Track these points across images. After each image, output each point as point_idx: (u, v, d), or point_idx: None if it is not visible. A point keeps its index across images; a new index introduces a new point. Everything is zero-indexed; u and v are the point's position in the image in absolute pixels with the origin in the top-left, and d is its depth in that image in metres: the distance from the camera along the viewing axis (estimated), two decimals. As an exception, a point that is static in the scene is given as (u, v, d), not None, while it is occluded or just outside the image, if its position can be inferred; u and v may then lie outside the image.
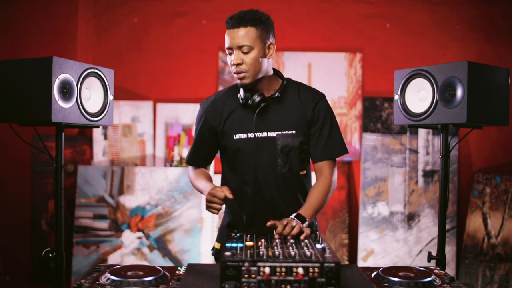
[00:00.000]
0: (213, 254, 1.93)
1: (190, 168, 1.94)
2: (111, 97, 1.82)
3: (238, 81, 1.71)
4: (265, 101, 1.73)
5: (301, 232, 1.50)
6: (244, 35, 1.65)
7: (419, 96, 1.84)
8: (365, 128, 3.72)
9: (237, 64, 1.66)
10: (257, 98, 1.71)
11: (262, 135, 1.75)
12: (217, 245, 1.89)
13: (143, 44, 3.87)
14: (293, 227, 1.50)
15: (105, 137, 3.75)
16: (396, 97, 1.91)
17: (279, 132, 1.75)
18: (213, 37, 3.83)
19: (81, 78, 1.68)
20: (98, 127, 1.85)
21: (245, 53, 1.66)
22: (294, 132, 1.75)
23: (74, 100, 1.65)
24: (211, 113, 1.81)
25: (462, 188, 3.72)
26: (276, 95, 1.74)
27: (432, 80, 1.78)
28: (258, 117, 1.73)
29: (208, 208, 1.60)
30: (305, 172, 1.83)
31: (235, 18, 1.68)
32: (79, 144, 3.77)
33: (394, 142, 3.70)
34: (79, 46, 3.79)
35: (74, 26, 3.79)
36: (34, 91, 1.59)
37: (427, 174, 3.67)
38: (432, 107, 1.78)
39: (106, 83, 1.79)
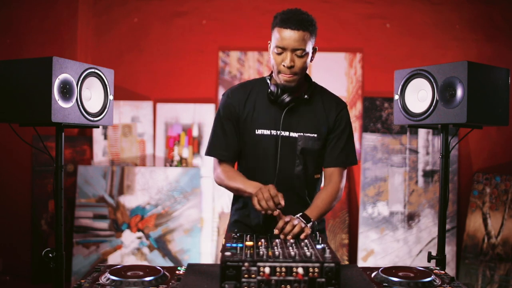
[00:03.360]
0: (221, 251, 1.92)
1: (218, 166, 1.82)
2: (111, 97, 1.82)
3: (284, 83, 1.70)
4: (294, 101, 1.74)
5: (301, 231, 1.50)
6: (302, 39, 1.64)
7: (419, 96, 1.84)
8: (365, 128, 3.72)
9: (290, 67, 1.66)
10: (287, 98, 1.72)
11: (284, 134, 1.76)
12: None
13: (143, 44, 3.87)
14: (294, 226, 1.50)
15: (105, 137, 3.75)
16: (396, 97, 1.91)
17: (301, 134, 1.76)
18: (213, 37, 3.83)
19: (81, 78, 1.67)
20: (98, 127, 1.85)
21: (299, 56, 1.66)
22: (315, 135, 1.78)
23: (74, 100, 1.65)
24: (236, 100, 1.79)
25: (462, 188, 3.72)
26: (305, 97, 1.76)
27: (432, 80, 1.78)
28: (284, 115, 1.74)
29: (259, 204, 1.56)
30: (319, 175, 1.87)
31: (295, 20, 1.64)
32: (79, 144, 3.77)
33: (394, 142, 3.70)
34: (79, 46, 3.79)
35: (74, 26, 3.79)
36: (34, 91, 1.58)
37: (427, 174, 3.66)
38: (432, 107, 1.78)
39: (106, 83, 1.79)
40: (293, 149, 1.76)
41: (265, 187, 1.57)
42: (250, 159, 1.80)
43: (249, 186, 1.67)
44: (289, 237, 1.48)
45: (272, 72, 1.80)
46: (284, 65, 1.66)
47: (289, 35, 1.63)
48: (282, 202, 1.54)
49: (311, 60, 1.74)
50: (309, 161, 1.79)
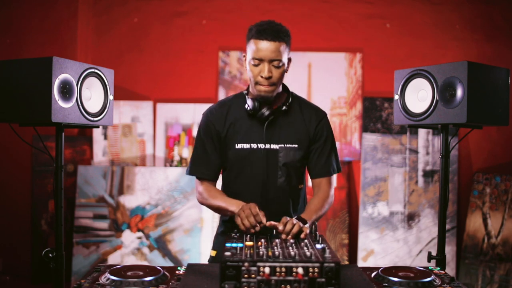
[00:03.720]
0: (209, 262, 1.92)
1: (199, 185, 1.83)
2: (111, 97, 1.82)
3: (262, 93, 1.71)
4: (274, 114, 1.75)
5: (301, 231, 1.50)
6: (278, 49, 1.66)
7: (419, 96, 1.84)
8: (365, 128, 3.72)
9: (268, 77, 1.67)
10: (266, 111, 1.73)
11: (265, 147, 1.76)
12: (213, 253, 1.89)
13: (143, 44, 3.87)
14: (293, 225, 1.51)
15: (105, 137, 3.75)
16: (396, 97, 1.91)
17: (282, 145, 1.77)
18: (213, 37, 3.83)
19: (81, 78, 1.67)
20: (98, 127, 1.85)
21: (276, 67, 1.68)
22: (296, 146, 1.78)
23: (74, 100, 1.65)
24: (216, 118, 1.81)
25: (462, 188, 3.72)
26: (283, 108, 1.76)
27: (432, 80, 1.78)
28: (266, 129, 1.74)
29: (242, 223, 1.57)
30: (302, 185, 1.88)
31: (271, 30, 1.66)
32: (79, 144, 3.77)
33: (394, 142, 3.70)
34: (79, 46, 3.79)
35: (74, 26, 3.79)
36: (34, 91, 1.58)
37: (427, 174, 3.67)
38: (432, 107, 1.78)
39: (106, 83, 1.79)
40: (275, 161, 1.77)
41: (246, 205, 1.59)
42: (233, 174, 1.81)
43: (231, 205, 1.68)
44: (289, 237, 1.48)
45: (249, 86, 1.81)
46: (262, 76, 1.67)
47: (266, 46, 1.65)
48: (264, 220, 1.55)
49: (286, 70, 1.75)
50: (292, 172, 1.79)
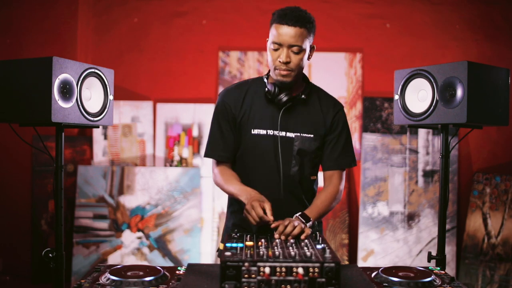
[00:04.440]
0: (218, 256, 1.91)
1: (215, 167, 1.82)
2: (111, 97, 1.81)
3: (280, 78, 1.69)
4: (292, 101, 1.73)
5: (302, 232, 1.50)
6: (298, 35, 1.64)
7: (419, 96, 1.84)
8: (365, 128, 3.72)
9: (286, 63, 1.66)
10: (284, 97, 1.71)
11: (281, 134, 1.75)
12: (222, 246, 1.87)
13: (143, 44, 3.87)
14: (294, 227, 1.50)
15: (105, 137, 3.75)
16: (396, 97, 1.91)
17: (298, 134, 1.75)
18: (213, 37, 3.83)
19: (81, 78, 1.67)
20: (98, 127, 1.85)
21: (295, 53, 1.66)
22: (312, 136, 1.77)
23: (74, 100, 1.65)
24: (232, 100, 1.79)
25: (462, 188, 3.72)
26: (302, 97, 1.75)
27: (432, 80, 1.78)
28: (281, 115, 1.73)
29: (247, 216, 1.57)
30: (315, 177, 1.86)
31: (292, 15, 1.63)
32: (79, 144, 3.77)
33: (394, 142, 3.70)
34: (79, 46, 3.79)
35: (74, 26, 3.79)
36: (34, 91, 1.58)
37: (427, 174, 3.67)
38: (432, 107, 1.78)
39: (106, 83, 1.79)
40: (289, 150, 1.75)
41: (255, 201, 1.56)
42: (247, 159, 1.79)
43: (242, 194, 1.66)
44: (289, 237, 1.47)
45: (269, 71, 1.79)
46: (280, 61, 1.66)
47: (286, 31, 1.63)
48: (271, 219, 1.53)
49: (309, 58, 1.73)
50: (305, 162, 1.78)
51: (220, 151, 1.79)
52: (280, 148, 1.74)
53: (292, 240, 1.45)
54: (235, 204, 1.86)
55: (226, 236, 1.53)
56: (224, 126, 1.79)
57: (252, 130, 1.76)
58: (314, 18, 1.71)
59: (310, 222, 1.62)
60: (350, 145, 1.84)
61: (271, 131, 1.75)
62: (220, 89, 3.80)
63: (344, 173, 1.84)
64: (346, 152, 1.82)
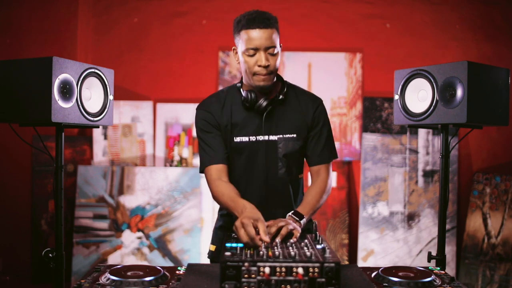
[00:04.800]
0: (209, 257, 1.91)
1: (211, 179, 1.71)
2: (111, 97, 1.81)
3: (261, 83, 1.67)
4: (271, 104, 1.72)
5: (290, 234, 1.48)
6: (272, 36, 1.63)
7: (419, 96, 1.84)
8: (365, 128, 3.72)
9: (266, 66, 1.64)
10: (264, 102, 1.70)
11: (264, 138, 1.74)
12: (212, 247, 1.87)
13: (143, 44, 3.87)
14: (280, 227, 1.47)
15: (105, 137, 3.75)
16: (396, 97, 1.91)
17: (280, 136, 1.74)
18: (213, 37, 3.83)
19: (81, 78, 1.67)
20: (98, 127, 1.85)
21: (272, 55, 1.65)
22: (295, 135, 1.76)
23: (74, 100, 1.65)
24: (214, 109, 1.77)
25: (462, 188, 3.72)
26: (280, 97, 1.74)
27: (432, 80, 1.78)
28: (264, 120, 1.72)
29: (236, 233, 1.43)
30: (302, 175, 1.86)
31: (262, 18, 1.63)
32: (79, 144, 3.77)
33: (394, 142, 3.70)
34: (79, 46, 3.80)
35: (74, 26, 3.79)
36: (34, 91, 1.58)
37: (427, 174, 3.67)
38: (432, 107, 1.78)
39: (106, 83, 1.79)
40: (274, 153, 1.74)
41: (247, 221, 1.39)
42: (232, 167, 1.77)
43: (235, 208, 1.56)
44: (277, 238, 1.44)
45: (241, 79, 1.78)
46: (260, 65, 1.64)
47: (260, 35, 1.63)
48: (266, 240, 1.35)
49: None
50: (292, 162, 1.77)
51: (210, 157, 1.73)
52: (265, 152, 1.73)
53: (292, 240, 1.45)
54: (221, 211, 1.87)
55: (226, 237, 1.53)
56: (209, 137, 1.74)
57: (235, 138, 1.74)
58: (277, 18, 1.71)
59: (304, 219, 1.62)
60: (331, 138, 1.83)
61: (253, 136, 1.73)
62: (220, 89, 3.79)
63: (331, 165, 1.82)
64: (329, 146, 1.81)
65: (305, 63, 3.75)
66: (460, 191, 3.71)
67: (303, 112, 1.78)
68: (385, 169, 3.68)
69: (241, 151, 1.75)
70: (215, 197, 1.70)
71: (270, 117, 1.74)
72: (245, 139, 1.74)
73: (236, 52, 1.74)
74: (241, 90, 1.75)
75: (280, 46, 1.72)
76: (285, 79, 1.83)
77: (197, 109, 1.80)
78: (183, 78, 3.85)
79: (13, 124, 1.72)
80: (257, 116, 1.74)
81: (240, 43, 1.68)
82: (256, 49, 1.64)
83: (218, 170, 1.72)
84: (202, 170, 1.77)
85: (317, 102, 1.81)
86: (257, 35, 1.63)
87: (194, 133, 3.77)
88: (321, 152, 1.79)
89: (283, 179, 1.76)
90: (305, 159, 1.85)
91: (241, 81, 1.79)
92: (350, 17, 3.79)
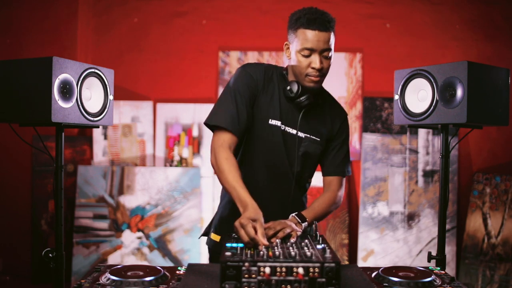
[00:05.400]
0: (210, 247, 1.85)
1: (218, 146, 1.61)
2: (111, 97, 1.81)
3: (311, 84, 1.66)
4: (311, 104, 1.72)
5: (288, 235, 1.48)
6: (329, 39, 1.62)
7: (419, 96, 1.84)
8: (365, 128, 3.72)
9: (321, 69, 1.63)
10: (305, 101, 1.69)
11: (292, 132, 1.73)
12: (216, 238, 1.80)
13: (143, 44, 3.87)
14: (277, 231, 1.47)
15: (105, 137, 3.75)
16: (396, 97, 1.91)
17: (307, 135, 1.75)
18: (213, 37, 3.83)
19: (81, 78, 1.67)
20: (98, 127, 1.85)
21: (326, 58, 1.64)
22: (319, 140, 1.77)
23: (74, 100, 1.65)
24: (260, 76, 1.71)
25: (462, 188, 3.72)
26: (319, 101, 1.76)
27: (432, 80, 1.78)
28: (301, 115, 1.72)
29: (237, 232, 1.40)
30: (311, 180, 1.86)
31: (323, 20, 1.60)
32: (79, 144, 3.77)
33: (394, 142, 3.70)
34: (79, 46, 3.79)
35: (74, 26, 3.79)
36: (34, 91, 1.58)
37: (427, 174, 3.67)
38: (432, 107, 1.78)
39: (106, 83, 1.79)
40: (295, 149, 1.74)
41: (246, 221, 1.38)
42: (256, 147, 1.72)
43: (239, 202, 1.51)
44: (274, 239, 1.44)
45: (286, 67, 1.77)
46: (313, 67, 1.62)
47: (318, 36, 1.60)
48: (265, 243, 1.34)
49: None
50: (308, 163, 1.78)
51: (227, 118, 1.62)
52: (289, 146, 1.73)
53: (292, 240, 1.45)
54: (226, 198, 1.82)
55: (226, 237, 1.52)
56: (239, 98, 1.64)
57: (270, 120, 1.71)
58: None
59: (306, 223, 1.62)
60: (349, 154, 1.87)
61: (285, 127, 1.72)
62: (220, 89, 3.79)
63: (344, 179, 1.84)
64: (346, 160, 1.83)
65: (305, 63, 3.75)
66: (460, 191, 3.71)
67: (331, 120, 1.80)
68: (385, 169, 3.68)
69: (273, 135, 1.71)
70: (219, 168, 1.58)
71: (306, 115, 1.74)
72: (278, 124, 1.71)
73: (288, 48, 1.70)
74: (287, 78, 1.73)
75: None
76: None
77: (243, 66, 1.73)
78: (183, 78, 3.85)
79: (13, 124, 1.72)
80: (295, 109, 1.72)
81: (296, 41, 1.64)
82: (312, 50, 1.62)
83: (231, 139, 1.64)
84: (211, 124, 1.65)
85: (344, 115, 1.85)
86: (315, 37, 1.60)
87: (194, 133, 3.77)
88: (338, 165, 1.80)
89: (295, 175, 1.75)
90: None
91: (286, 69, 1.77)
92: (350, 17, 3.79)
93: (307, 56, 1.63)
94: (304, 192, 1.86)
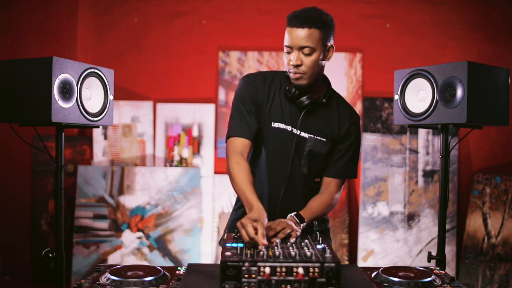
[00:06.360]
0: (220, 244, 1.87)
1: (234, 150, 1.69)
2: (111, 97, 1.82)
3: (294, 81, 1.67)
4: (312, 104, 1.72)
5: (288, 235, 1.48)
6: (307, 36, 1.60)
7: (419, 96, 1.84)
8: (365, 128, 3.72)
9: (296, 66, 1.63)
10: (306, 101, 1.70)
11: (296, 132, 1.74)
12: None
13: (143, 44, 3.87)
14: (277, 231, 1.48)
15: (105, 137, 3.75)
16: (396, 97, 1.91)
17: (312, 136, 1.75)
18: (213, 37, 3.83)
19: (81, 78, 1.67)
20: (98, 127, 1.85)
21: (306, 55, 1.63)
22: (325, 140, 1.76)
23: (74, 100, 1.65)
24: (260, 86, 1.75)
25: (462, 188, 3.72)
26: (322, 100, 1.74)
27: (432, 80, 1.78)
28: (303, 115, 1.72)
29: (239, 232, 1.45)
30: (319, 179, 1.85)
31: (300, 17, 1.61)
32: (79, 144, 3.77)
33: (394, 142, 3.70)
34: (79, 46, 3.79)
35: (74, 26, 3.79)
36: (34, 91, 1.58)
37: (427, 174, 3.67)
38: (432, 107, 1.78)
39: (106, 83, 1.79)
40: (301, 150, 1.75)
41: (247, 221, 1.42)
42: (262, 151, 1.77)
43: (246, 204, 1.57)
44: (273, 239, 1.45)
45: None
46: (291, 63, 1.64)
47: (295, 34, 1.61)
48: (264, 243, 1.36)
49: (328, 59, 1.70)
50: (314, 164, 1.78)
51: (240, 128, 1.71)
52: (294, 146, 1.73)
53: (292, 240, 1.45)
54: (239, 202, 1.85)
55: (226, 235, 1.53)
56: (243, 108, 1.72)
57: (273, 123, 1.74)
58: (330, 18, 1.68)
59: (304, 224, 1.62)
60: (356, 158, 1.83)
61: (290, 127, 1.74)
62: (220, 89, 3.80)
63: (343, 183, 1.83)
64: (350, 164, 1.81)
65: (305, 63, 3.75)
66: (460, 191, 3.71)
67: (339, 122, 1.78)
68: (385, 169, 3.68)
69: (276, 137, 1.74)
70: (230, 173, 1.68)
71: (308, 116, 1.74)
72: (282, 126, 1.74)
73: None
74: (288, 80, 1.75)
75: (331, 47, 1.68)
76: None
77: (243, 78, 1.79)
78: (183, 78, 3.85)
79: (13, 124, 1.72)
80: (297, 110, 1.73)
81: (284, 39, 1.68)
82: (291, 47, 1.63)
83: (243, 144, 1.71)
84: (226, 139, 1.75)
85: (354, 118, 1.81)
86: (293, 34, 1.62)
87: (194, 133, 3.77)
88: (340, 167, 1.79)
89: (302, 176, 1.77)
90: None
91: None
92: (350, 17, 3.79)
93: (288, 53, 1.65)
94: (315, 192, 1.84)
